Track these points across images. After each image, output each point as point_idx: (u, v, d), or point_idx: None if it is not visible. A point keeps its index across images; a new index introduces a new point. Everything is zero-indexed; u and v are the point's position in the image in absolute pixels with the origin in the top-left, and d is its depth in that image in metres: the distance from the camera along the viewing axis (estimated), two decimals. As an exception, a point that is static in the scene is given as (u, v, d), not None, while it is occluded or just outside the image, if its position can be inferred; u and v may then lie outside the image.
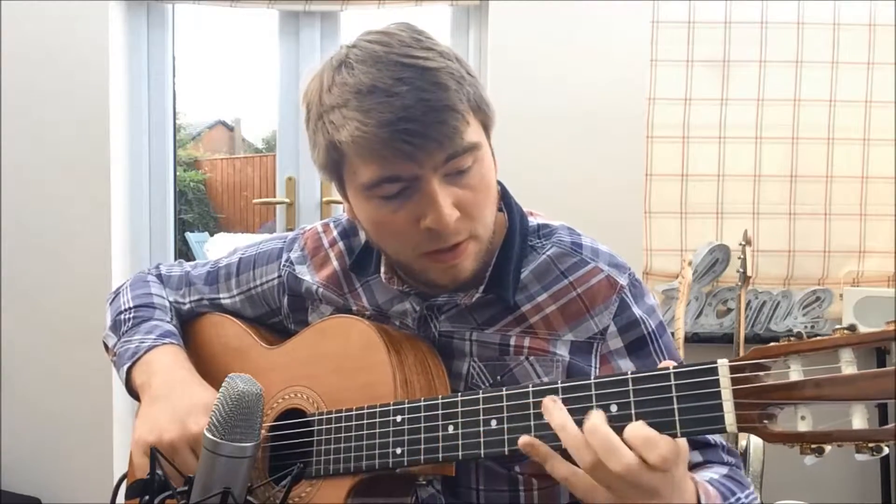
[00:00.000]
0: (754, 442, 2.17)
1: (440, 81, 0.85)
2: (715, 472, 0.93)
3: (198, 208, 5.64)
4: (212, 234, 5.33)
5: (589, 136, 2.39)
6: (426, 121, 0.83)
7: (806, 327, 2.49)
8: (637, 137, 2.43)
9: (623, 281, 0.98)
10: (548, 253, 1.00)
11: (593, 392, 0.78)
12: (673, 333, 2.24)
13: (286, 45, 2.56)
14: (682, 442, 0.75)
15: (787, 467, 2.31)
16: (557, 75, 2.39)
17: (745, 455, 2.20)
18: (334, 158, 0.91)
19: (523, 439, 0.79)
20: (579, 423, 0.76)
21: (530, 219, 1.05)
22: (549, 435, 0.78)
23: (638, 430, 0.73)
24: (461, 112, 0.86)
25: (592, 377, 0.80)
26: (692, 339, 2.43)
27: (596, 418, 0.75)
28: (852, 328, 0.66)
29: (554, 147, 2.38)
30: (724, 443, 0.99)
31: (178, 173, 2.73)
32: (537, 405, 0.80)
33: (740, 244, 2.33)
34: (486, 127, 0.93)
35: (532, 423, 0.80)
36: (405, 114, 0.83)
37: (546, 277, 0.99)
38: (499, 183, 1.02)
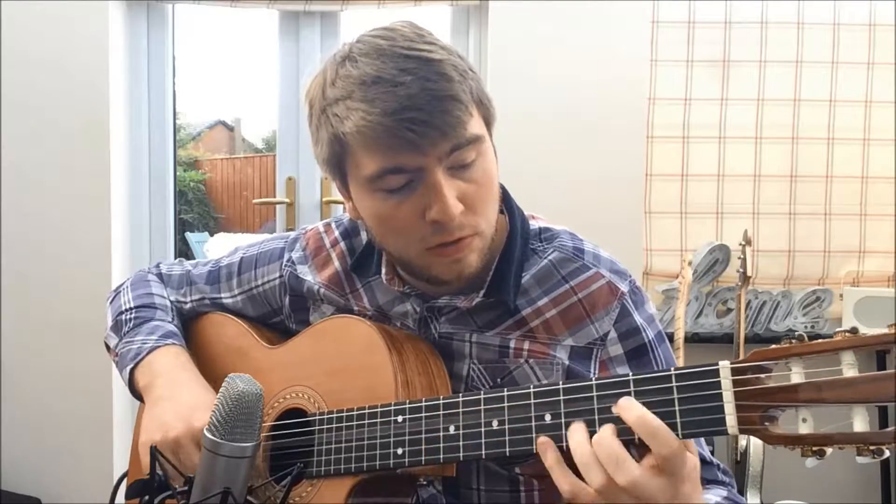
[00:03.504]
0: (754, 442, 2.17)
1: (444, 72, 0.85)
2: (716, 495, 0.93)
3: (198, 208, 5.63)
4: (212, 234, 5.32)
5: (589, 135, 2.39)
6: (431, 110, 0.84)
7: (806, 327, 2.49)
8: (637, 137, 2.44)
9: (624, 287, 0.98)
10: (549, 257, 1.00)
11: (595, 394, 0.78)
12: (673, 333, 2.24)
13: (286, 45, 2.56)
14: (689, 457, 0.75)
15: (787, 467, 2.32)
16: (557, 75, 2.39)
17: (745, 455, 2.20)
18: (337, 152, 0.91)
19: (543, 438, 0.78)
20: (585, 426, 0.76)
21: (532, 222, 1.05)
22: (551, 437, 0.78)
23: (607, 442, 0.74)
24: (464, 102, 0.86)
25: (594, 379, 0.79)
26: (692, 339, 2.43)
27: (606, 430, 0.75)
28: (854, 331, 0.66)
29: (554, 147, 2.39)
30: (720, 462, 0.99)
31: (178, 173, 2.73)
32: (539, 406, 0.80)
33: (740, 244, 2.33)
34: (488, 122, 0.94)
35: (533, 424, 0.80)
36: (409, 103, 0.83)
37: (547, 282, 0.99)
38: (501, 186, 1.02)
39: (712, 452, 2.38)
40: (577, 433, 0.76)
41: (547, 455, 0.77)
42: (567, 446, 0.77)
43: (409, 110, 0.83)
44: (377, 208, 0.92)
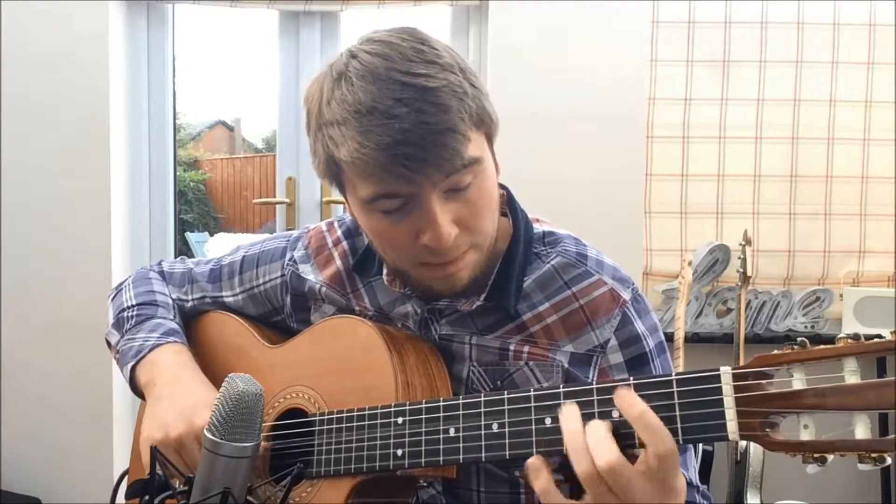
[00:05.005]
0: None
1: (440, 102, 0.83)
2: None
3: (198, 208, 5.64)
4: (212, 234, 5.33)
5: (589, 135, 2.39)
6: (425, 144, 0.82)
7: (806, 327, 2.49)
8: (637, 137, 2.43)
9: (626, 295, 0.98)
10: (552, 262, 1.00)
11: (595, 398, 0.77)
12: (673, 333, 2.24)
13: (286, 45, 2.56)
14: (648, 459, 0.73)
15: (787, 467, 2.32)
16: (557, 75, 2.39)
17: (744, 455, 2.20)
18: (334, 171, 0.91)
19: (533, 460, 0.77)
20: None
21: (535, 226, 1.04)
22: (550, 440, 0.78)
23: (597, 429, 0.74)
24: (462, 132, 0.84)
25: (594, 383, 0.79)
26: (692, 339, 2.43)
27: (598, 420, 0.75)
28: (856, 337, 0.66)
29: (554, 147, 2.38)
30: (700, 484, 0.99)
31: (178, 173, 2.73)
32: (539, 409, 0.80)
33: (740, 244, 2.33)
34: (490, 137, 0.93)
35: (533, 427, 0.80)
36: (403, 137, 0.82)
37: (549, 287, 0.98)
38: (505, 188, 1.02)
39: (712, 453, 2.37)
40: (571, 421, 0.76)
41: (540, 477, 0.76)
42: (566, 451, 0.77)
43: (402, 145, 0.82)
44: (373, 226, 0.92)
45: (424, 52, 0.86)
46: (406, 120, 0.82)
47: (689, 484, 0.96)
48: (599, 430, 0.74)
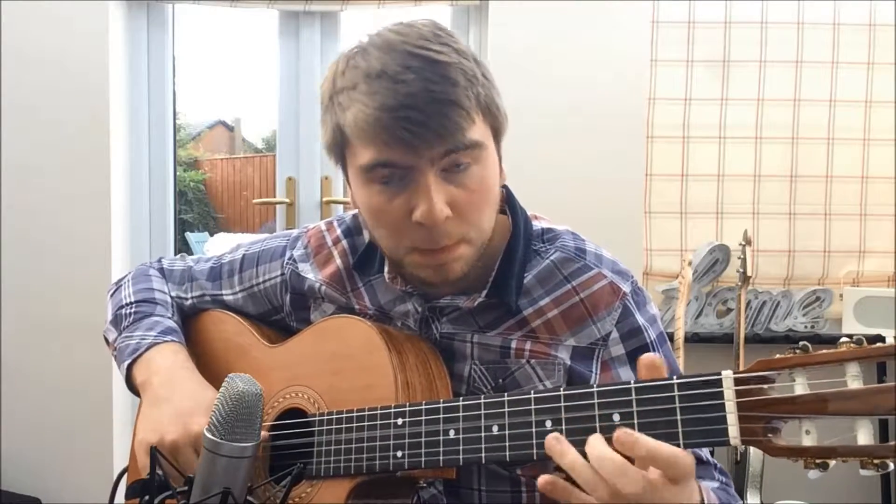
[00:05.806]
0: (754, 442, 2.17)
1: (448, 75, 0.85)
2: (710, 484, 0.93)
3: (198, 208, 5.63)
4: (212, 234, 5.32)
5: (589, 135, 2.39)
6: (428, 111, 0.84)
7: (806, 327, 2.49)
8: (637, 137, 2.44)
9: (626, 288, 0.98)
10: (551, 258, 1.00)
11: (596, 400, 0.77)
12: (673, 333, 2.24)
13: (286, 45, 2.56)
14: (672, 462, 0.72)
15: (787, 467, 2.31)
16: (557, 75, 2.39)
17: (744, 455, 2.20)
18: (338, 140, 0.92)
19: (544, 479, 0.75)
20: (585, 432, 0.75)
21: (534, 223, 1.04)
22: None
23: (611, 460, 0.72)
24: (466, 109, 0.86)
25: (595, 384, 0.79)
26: (692, 339, 2.43)
27: (597, 442, 0.73)
28: (859, 341, 0.66)
29: (554, 147, 2.39)
30: (717, 462, 0.99)
31: (178, 173, 2.73)
32: (539, 412, 0.80)
33: (740, 244, 2.33)
34: (496, 131, 0.94)
35: (534, 430, 0.80)
36: (409, 101, 0.83)
37: (549, 282, 0.99)
38: (504, 186, 1.02)
39: (712, 451, 2.37)
40: (596, 449, 0.73)
41: (559, 490, 0.75)
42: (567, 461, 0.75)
43: (407, 108, 0.83)
44: (370, 199, 0.92)
45: (442, 36, 0.89)
46: (413, 85, 0.84)
47: (707, 462, 0.97)
48: (616, 461, 0.71)
